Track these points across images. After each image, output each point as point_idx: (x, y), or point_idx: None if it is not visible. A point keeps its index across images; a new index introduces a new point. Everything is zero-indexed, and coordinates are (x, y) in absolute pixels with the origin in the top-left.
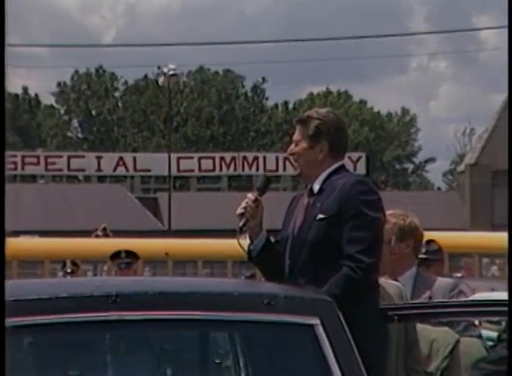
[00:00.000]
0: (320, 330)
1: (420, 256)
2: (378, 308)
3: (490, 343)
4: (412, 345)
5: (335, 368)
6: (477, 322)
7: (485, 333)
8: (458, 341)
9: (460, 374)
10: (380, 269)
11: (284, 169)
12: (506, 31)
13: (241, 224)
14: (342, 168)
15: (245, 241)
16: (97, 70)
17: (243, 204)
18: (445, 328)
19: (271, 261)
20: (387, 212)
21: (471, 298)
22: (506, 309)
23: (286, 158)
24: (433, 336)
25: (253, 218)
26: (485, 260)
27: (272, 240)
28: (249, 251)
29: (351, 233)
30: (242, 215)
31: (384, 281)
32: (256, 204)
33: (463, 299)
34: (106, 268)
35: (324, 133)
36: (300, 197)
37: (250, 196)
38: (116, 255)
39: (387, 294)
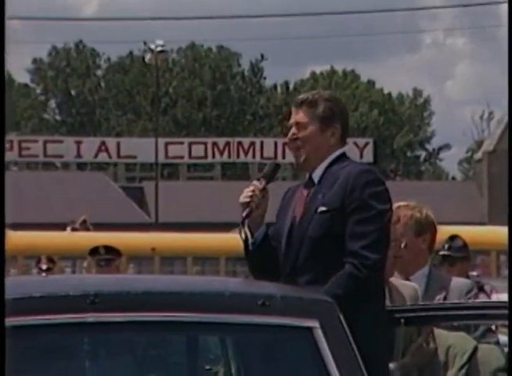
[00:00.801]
0: (319, 334)
1: (443, 253)
2: (384, 309)
3: (506, 349)
4: (429, 354)
5: (335, 375)
6: (493, 327)
7: (502, 338)
8: (476, 348)
9: None
10: (389, 270)
11: (284, 156)
12: None
13: (245, 214)
14: (343, 155)
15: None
16: (77, 46)
17: (249, 193)
18: (462, 333)
19: (267, 257)
20: (400, 203)
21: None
22: None
23: (285, 144)
24: (449, 342)
25: (257, 208)
26: (503, 257)
27: (269, 231)
28: (246, 245)
29: (355, 227)
30: (247, 204)
31: (399, 281)
32: (263, 193)
33: (480, 300)
34: (85, 264)
35: (336, 115)
36: (296, 189)
37: (257, 184)
38: (94, 251)
39: (401, 295)
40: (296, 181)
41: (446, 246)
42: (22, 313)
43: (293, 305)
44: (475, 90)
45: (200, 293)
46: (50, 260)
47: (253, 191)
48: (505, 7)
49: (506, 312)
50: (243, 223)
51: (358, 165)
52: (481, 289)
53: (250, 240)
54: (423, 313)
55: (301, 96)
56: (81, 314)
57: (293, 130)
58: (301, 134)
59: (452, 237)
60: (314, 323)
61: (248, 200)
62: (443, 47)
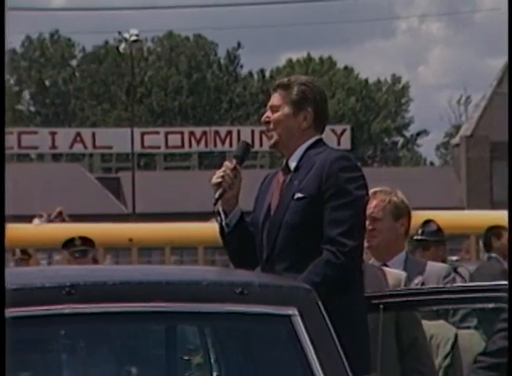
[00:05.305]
0: (298, 322)
1: (416, 238)
2: (363, 296)
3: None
4: (414, 340)
5: (314, 362)
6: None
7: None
8: (457, 336)
9: (464, 372)
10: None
11: (261, 144)
12: None
13: (217, 195)
14: (320, 141)
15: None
16: (52, 36)
17: (220, 173)
18: (442, 322)
19: (244, 241)
20: (375, 189)
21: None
22: (504, 294)
23: (262, 132)
24: (431, 331)
25: (230, 188)
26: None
27: (247, 218)
28: (221, 227)
29: (332, 214)
30: (219, 184)
31: (387, 269)
32: (234, 173)
33: (457, 284)
34: (59, 257)
35: (309, 99)
36: (274, 176)
37: (228, 164)
38: (69, 243)
39: (386, 283)
40: (273, 169)
41: (420, 231)
42: None
43: (271, 293)
44: (451, 75)
45: (177, 282)
46: (25, 253)
47: (224, 171)
48: None
49: (484, 295)
50: (215, 205)
51: (333, 151)
52: (456, 272)
53: (223, 221)
54: (402, 299)
55: (279, 80)
56: (57, 305)
57: (268, 113)
58: (274, 116)
59: (426, 222)
60: (292, 311)
61: (220, 180)
62: (418, 33)
